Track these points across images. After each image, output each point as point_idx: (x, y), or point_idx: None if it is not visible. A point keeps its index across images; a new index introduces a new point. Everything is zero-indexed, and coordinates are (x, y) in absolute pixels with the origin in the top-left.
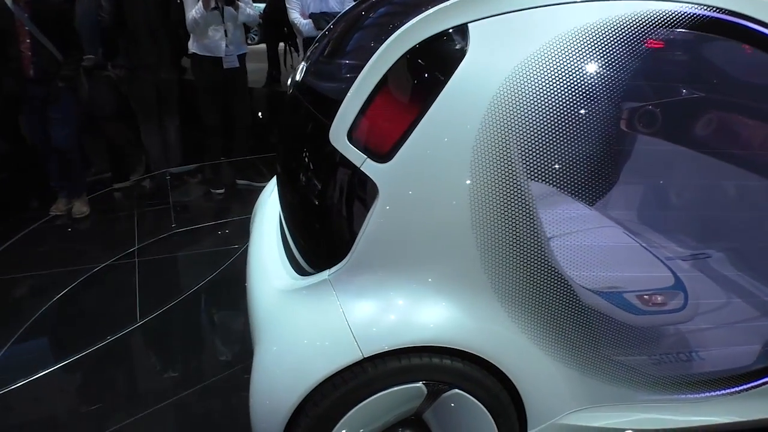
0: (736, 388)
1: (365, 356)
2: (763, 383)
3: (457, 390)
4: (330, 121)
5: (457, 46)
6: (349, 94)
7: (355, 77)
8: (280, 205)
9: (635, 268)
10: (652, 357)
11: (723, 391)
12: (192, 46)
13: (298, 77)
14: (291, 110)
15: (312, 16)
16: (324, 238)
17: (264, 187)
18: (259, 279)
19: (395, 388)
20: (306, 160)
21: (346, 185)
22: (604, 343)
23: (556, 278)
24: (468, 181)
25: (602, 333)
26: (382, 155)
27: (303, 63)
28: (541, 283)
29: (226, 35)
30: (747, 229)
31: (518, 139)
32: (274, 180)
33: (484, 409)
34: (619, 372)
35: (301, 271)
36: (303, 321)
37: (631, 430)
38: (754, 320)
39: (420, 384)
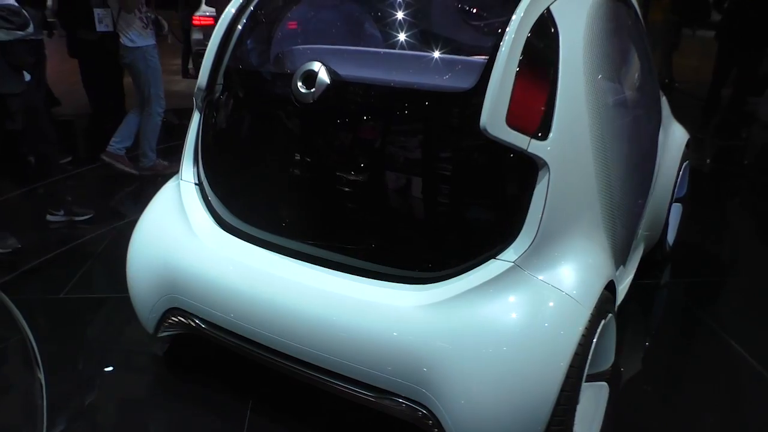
0: None
1: (590, 311)
2: None
3: (610, 314)
4: (455, 113)
5: (553, 23)
6: (494, 82)
7: (467, 65)
8: (319, 232)
9: None
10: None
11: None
12: None
13: (325, 78)
14: (341, 116)
15: None
16: (485, 229)
17: None
18: (361, 313)
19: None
20: (424, 161)
21: (511, 170)
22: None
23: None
24: (588, 138)
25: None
26: (534, 132)
27: (317, 63)
28: (613, 206)
29: None
30: None
31: (596, 87)
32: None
33: (614, 320)
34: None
35: (417, 282)
36: (506, 316)
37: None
38: None
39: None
